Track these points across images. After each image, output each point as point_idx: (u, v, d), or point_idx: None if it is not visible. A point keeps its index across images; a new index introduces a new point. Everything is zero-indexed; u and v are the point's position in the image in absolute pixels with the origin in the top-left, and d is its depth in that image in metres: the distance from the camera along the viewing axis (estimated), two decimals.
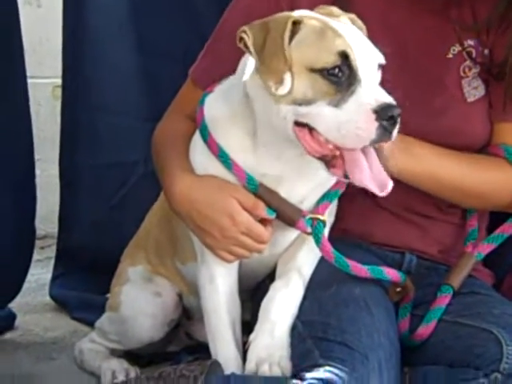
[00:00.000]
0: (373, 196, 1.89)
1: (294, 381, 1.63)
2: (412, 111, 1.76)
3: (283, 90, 1.60)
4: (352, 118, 1.56)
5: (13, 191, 2.38)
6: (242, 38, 1.62)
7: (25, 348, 2.40)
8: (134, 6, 2.49)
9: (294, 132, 1.64)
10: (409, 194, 1.90)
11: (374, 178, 1.63)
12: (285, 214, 1.78)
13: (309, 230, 1.78)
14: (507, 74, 1.84)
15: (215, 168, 1.79)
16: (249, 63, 1.70)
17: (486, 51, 1.91)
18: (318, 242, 1.78)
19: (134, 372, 2.11)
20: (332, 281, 1.82)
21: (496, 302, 1.86)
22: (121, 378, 2.07)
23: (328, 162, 1.64)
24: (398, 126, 1.58)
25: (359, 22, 1.74)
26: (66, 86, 2.59)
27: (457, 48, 1.91)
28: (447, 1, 1.90)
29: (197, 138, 1.84)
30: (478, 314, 1.77)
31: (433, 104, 1.88)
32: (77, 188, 2.63)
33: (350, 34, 1.63)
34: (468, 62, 1.91)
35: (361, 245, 1.93)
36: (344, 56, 1.58)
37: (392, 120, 1.56)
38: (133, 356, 2.18)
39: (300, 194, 1.80)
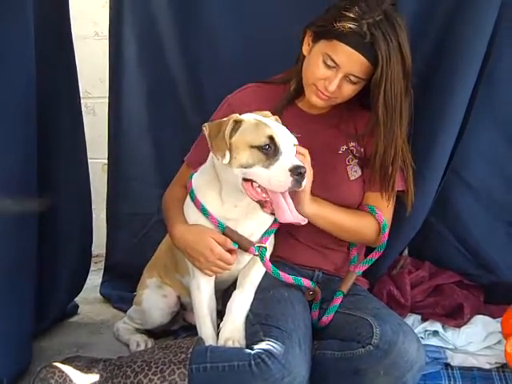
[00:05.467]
0: (296, 235, 1.91)
1: (247, 351, 1.62)
2: (318, 186, 1.78)
3: (225, 160, 1.64)
4: (277, 175, 1.59)
5: (78, 230, 2.36)
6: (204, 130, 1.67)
7: (84, 326, 2.36)
8: (153, 117, 2.47)
9: (242, 185, 1.66)
10: (318, 234, 1.89)
11: (293, 215, 1.65)
12: (242, 244, 1.78)
13: (256, 253, 1.79)
14: (371, 166, 1.86)
15: (199, 218, 1.80)
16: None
17: (362, 150, 1.92)
18: (262, 260, 1.78)
19: (150, 342, 2.09)
20: (271, 287, 1.82)
21: (369, 301, 1.86)
22: (142, 346, 2.06)
23: (262, 204, 1.66)
24: (305, 179, 1.61)
25: (280, 121, 1.77)
26: (110, 165, 2.57)
27: (344, 147, 1.92)
28: (339, 120, 1.93)
29: (188, 200, 1.84)
30: (359, 308, 1.77)
31: (330, 181, 1.88)
32: (117, 227, 2.59)
33: (275, 126, 1.67)
34: (351, 156, 1.92)
35: (287, 265, 1.92)
36: (271, 138, 1.62)
37: (300, 175, 1.59)
38: (150, 332, 2.15)
39: (250, 229, 1.80)
